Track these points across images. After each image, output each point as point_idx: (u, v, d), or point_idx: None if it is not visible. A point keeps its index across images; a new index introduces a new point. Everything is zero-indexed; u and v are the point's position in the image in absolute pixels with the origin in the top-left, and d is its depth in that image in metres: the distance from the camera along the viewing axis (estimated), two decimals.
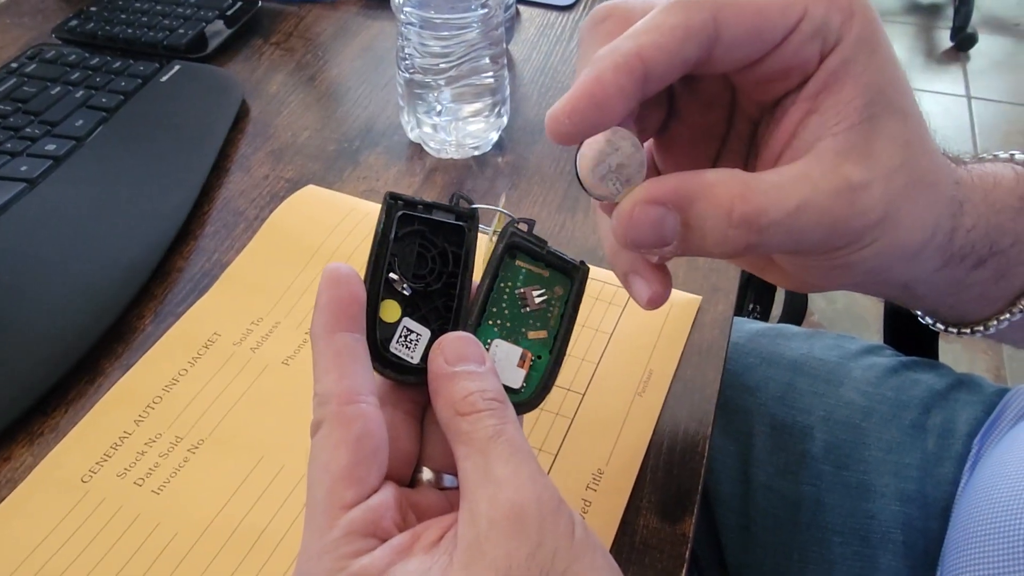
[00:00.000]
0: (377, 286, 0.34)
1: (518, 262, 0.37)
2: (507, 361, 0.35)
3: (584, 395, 0.51)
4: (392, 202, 0.35)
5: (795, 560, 0.63)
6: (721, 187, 0.29)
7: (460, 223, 0.36)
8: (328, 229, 0.61)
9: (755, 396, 0.69)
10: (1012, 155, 0.40)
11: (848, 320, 1.84)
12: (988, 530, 0.48)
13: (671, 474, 0.47)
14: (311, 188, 0.65)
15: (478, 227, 0.36)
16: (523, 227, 0.37)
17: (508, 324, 0.36)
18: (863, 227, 0.30)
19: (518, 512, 0.28)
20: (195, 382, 0.52)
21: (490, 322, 0.36)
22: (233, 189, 0.67)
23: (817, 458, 0.65)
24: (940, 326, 0.42)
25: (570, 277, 0.37)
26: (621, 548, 0.44)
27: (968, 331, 0.41)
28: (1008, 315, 0.40)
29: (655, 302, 0.35)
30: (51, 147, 0.66)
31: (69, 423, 0.50)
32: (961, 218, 0.35)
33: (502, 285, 0.36)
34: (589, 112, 0.29)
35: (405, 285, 0.34)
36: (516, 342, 0.35)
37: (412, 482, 0.34)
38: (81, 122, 0.68)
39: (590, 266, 0.38)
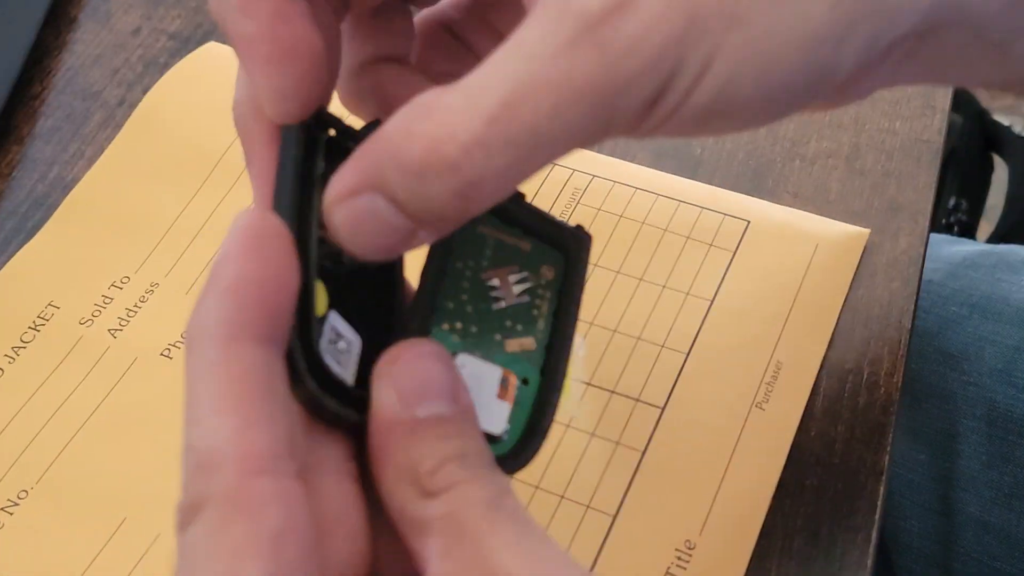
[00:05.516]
0: (305, 253, 0.32)
1: (481, 228, 0.36)
2: (480, 390, 0.34)
3: (663, 411, 0.49)
4: (313, 123, 0.33)
5: None
6: (395, 134, 0.29)
7: None
8: None
9: (961, 370, 0.66)
10: None
11: None
12: None
13: (818, 544, 0.46)
14: (212, 48, 0.63)
15: None
16: None
17: (473, 328, 0.35)
18: (648, 65, 0.28)
19: None
20: (16, 389, 0.51)
21: (445, 326, 0.35)
22: (82, 54, 0.64)
23: None
24: None
25: (563, 250, 0.36)
26: None
27: None
28: None
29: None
30: None
31: None
32: None
33: (459, 265, 0.36)
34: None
35: (343, 256, 0.32)
36: (488, 357, 0.35)
37: None
38: None
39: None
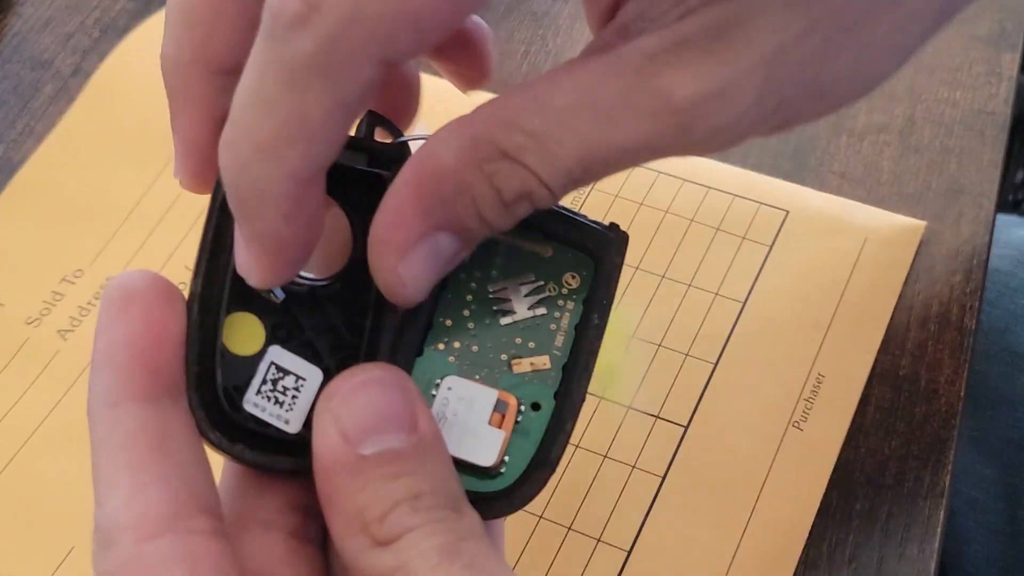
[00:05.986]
0: (218, 288, 0.32)
1: None
2: (469, 416, 0.34)
3: (686, 430, 0.48)
4: None
5: None
6: (468, 171, 0.31)
7: (379, 171, 0.34)
8: None
9: None
10: None
11: None
12: None
13: None
14: None
15: None
16: None
17: (475, 348, 0.35)
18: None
19: None
20: None
21: (439, 345, 0.35)
22: (31, 17, 0.64)
23: None
24: None
25: (592, 254, 0.36)
26: None
27: None
28: None
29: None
30: None
31: None
32: None
33: (462, 276, 0.35)
34: None
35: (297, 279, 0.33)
36: (489, 380, 0.34)
37: None
38: None
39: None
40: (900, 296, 0.51)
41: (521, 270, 0.36)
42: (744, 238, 0.53)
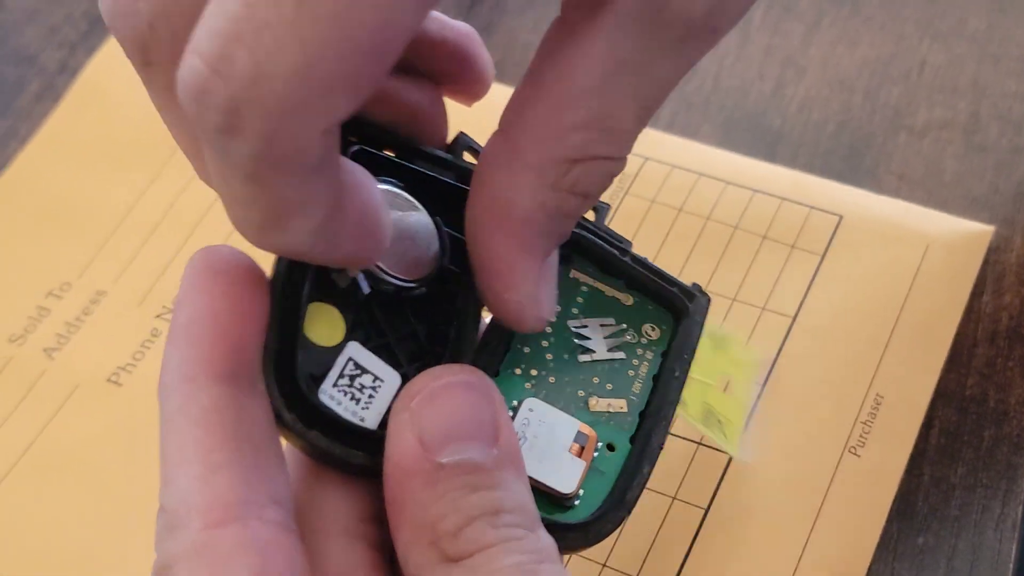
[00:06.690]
0: (301, 273, 0.33)
1: (575, 272, 0.38)
2: (550, 440, 0.35)
3: (731, 458, 0.48)
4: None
5: None
6: (536, 185, 0.32)
7: (467, 188, 0.35)
8: None
9: None
10: None
11: None
12: None
13: None
14: None
15: None
16: (589, 214, 0.38)
17: (551, 380, 0.36)
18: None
19: None
20: None
21: (516, 370, 0.36)
22: (14, 9, 0.64)
23: None
24: None
25: (672, 310, 0.38)
26: None
27: None
28: None
29: None
30: None
31: None
32: None
33: None
34: None
35: (361, 276, 0.34)
36: (568, 410, 0.36)
37: None
38: None
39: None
40: (966, 309, 0.51)
41: (602, 312, 0.37)
42: (793, 247, 0.53)
